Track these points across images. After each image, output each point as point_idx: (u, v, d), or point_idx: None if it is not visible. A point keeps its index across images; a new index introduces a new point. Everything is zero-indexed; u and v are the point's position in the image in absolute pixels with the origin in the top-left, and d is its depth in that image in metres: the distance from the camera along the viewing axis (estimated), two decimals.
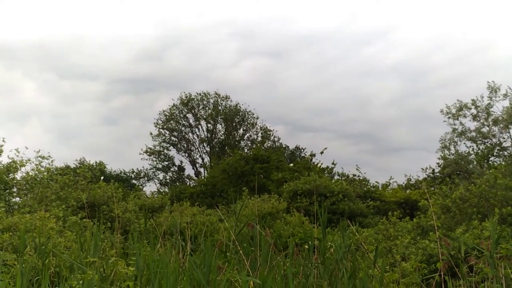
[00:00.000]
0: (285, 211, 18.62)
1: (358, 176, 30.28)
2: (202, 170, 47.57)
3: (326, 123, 63.74)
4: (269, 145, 47.56)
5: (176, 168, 48.51)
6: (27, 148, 14.51)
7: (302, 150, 47.43)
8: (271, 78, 63.69)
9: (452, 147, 27.13)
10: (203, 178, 41.93)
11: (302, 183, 22.13)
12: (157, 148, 48.03)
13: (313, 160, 38.96)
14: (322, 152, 36.45)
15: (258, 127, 49.01)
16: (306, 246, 8.24)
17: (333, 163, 34.44)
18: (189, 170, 48.26)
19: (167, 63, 60.52)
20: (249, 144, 48.29)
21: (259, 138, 48.66)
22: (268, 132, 48.88)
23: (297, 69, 63.76)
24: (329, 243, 7.59)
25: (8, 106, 55.80)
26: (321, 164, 34.25)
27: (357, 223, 11.75)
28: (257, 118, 48.91)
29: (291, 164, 32.10)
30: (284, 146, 47.99)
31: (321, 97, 63.32)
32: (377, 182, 30.52)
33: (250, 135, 49.09)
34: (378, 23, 64.26)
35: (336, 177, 32.27)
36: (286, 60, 64.41)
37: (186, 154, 48.24)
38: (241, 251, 6.96)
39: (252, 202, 17.22)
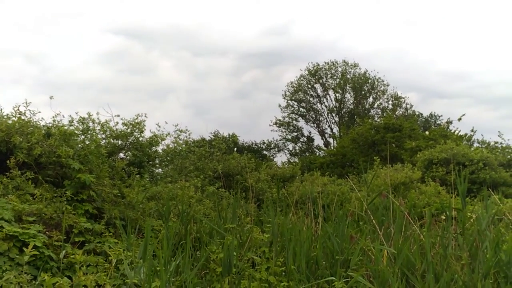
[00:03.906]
0: (420, 181, 17.93)
1: (501, 143, 28.14)
2: (331, 140, 47.36)
3: (462, 88, 59.88)
4: (400, 113, 45.84)
5: (305, 139, 48.82)
6: (166, 123, 15.44)
7: (438, 117, 45.14)
8: (400, 44, 61.10)
9: None
10: (332, 148, 41.77)
11: (438, 152, 21.10)
12: (286, 119, 48.62)
13: (450, 127, 36.94)
14: (459, 119, 34.31)
15: (389, 95, 47.41)
16: (443, 217, 7.90)
17: (472, 130, 32.38)
18: (318, 141, 48.34)
19: (294, 34, 60.56)
20: (379, 113, 46.95)
21: (390, 106, 47.07)
22: (399, 100, 47.08)
23: (430, 33, 60.41)
24: (469, 214, 7.19)
25: (148, 85, 59.94)
26: (459, 131, 32.35)
27: (500, 193, 10.96)
28: (387, 85, 47.30)
29: (426, 132, 30.65)
30: (417, 113, 46.01)
31: (455, 61, 59.49)
32: None
33: (380, 103, 47.67)
34: None
35: (475, 144, 30.32)
36: (418, 24, 61.28)
37: (315, 125, 48.27)
38: (374, 221, 6.87)
39: (384, 172, 16.82)
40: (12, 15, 53.90)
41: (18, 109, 9.46)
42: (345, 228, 6.40)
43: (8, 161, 7.97)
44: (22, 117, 9.31)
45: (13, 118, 9.28)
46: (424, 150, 22.81)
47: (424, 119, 45.48)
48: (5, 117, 9.33)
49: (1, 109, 9.44)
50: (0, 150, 8.36)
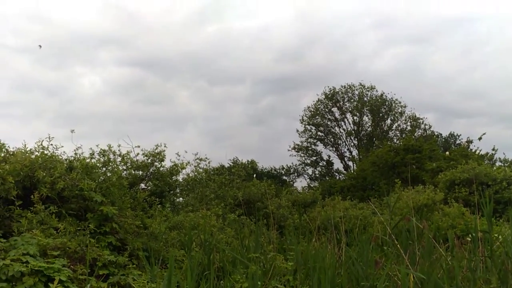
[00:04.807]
0: (443, 202, 17.69)
1: None
2: (350, 163, 47.13)
3: (481, 106, 59.37)
4: (419, 134, 45.54)
5: (325, 163, 48.64)
6: (186, 152, 15.49)
7: (457, 137, 44.76)
8: (417, 65, 61.03)
9: None
10: (352, 171, 41.50)
11: (460, 172, 20.84)
12: (304, 144, 48.59)
13: (470, 147, 36.54)
14: (480, 138, 33.84)
15: (407, 116, 47.21)
16: (469, 238, 7.75)
17: (493, 149, 31.97)
18: (337, 164, 48.14)
19: (309, 59, 60.91)
20: (398, 134, 46.71)
21: (408, 128, 46.81)
22: (417, 121, 46.83)
23: (445, 52, 60.34)
24: (496, 235, 7.06)
25: (166, 114, 60.59)
26: (480, 150, 31.96)
27: None
28: (405, 107, 47.10)
29: (447, 153, 30.35)
30: (436, 134, 45.67)
31: (473, 79, 59.23)
32: None
33: (399, 125, 47.44)
34: None
35: (498, 163, 29.90)
36: (432, 44, 61.27)
37: (334, 148, 48.12)
38: (398, 245, 6.77)
39: (406, 194, 16.64)
40: (31, 48, 55.25)
41: (41, 144, 9.61)
42: (369, 253, 6.33)
43: (32, 196, 8.07)
44: (45, 152, 9.45)
45: (36, 153, 9.42)
46: (445, 171, 22.54)
47: (443, 139, 45.13)
48: (28, 152, 9.47)
49: (25, 144, 9.59)
50: (24, 185, 8.47)
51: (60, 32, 55.76)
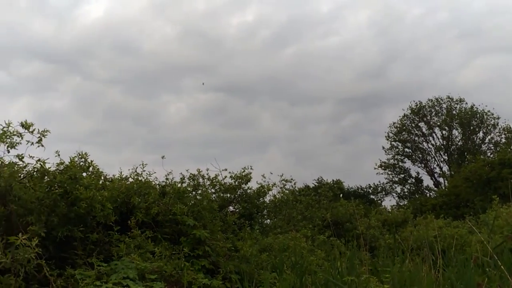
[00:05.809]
0: None
1: None
2: (441, 179, 45.28)
3: None
4: None
5: (413, 180, 47.08)
6: (271, 173, 15.52)
7: None
8: (509, 73, 57.98)
9: None
10: (443, 188, 39.86)
11: None
12: (391, 161, 47.40)
13: None
14: None
15: (501, 128, 44.78)
16: None
17: None
18: (427, 181, 46.48)
19: (391, 75, 59.87)
20: (492, 148, 44.39)
21: (503, 140, 44.35)
22: None
23: None
24: None
25: (250, 136, 61.60)
26: None
27: None
28: (498, 118, 44.78)
29: None
30: None
31: None
32: None
33: (492, 138, 45.11)
34: None
35: None
36: None
37: (422, 165, 46.54)
38: (502, 266, 6.37)
39: (505, 211, 15.68)
40: (120, 79, 58.40)
41: (135, 171, 10.02)
42: (470, 275, 6.00)
43: (129, 221, 8.40)
44: (139, 178, 9.83)
45: (131, 179, 9.81)
46: None
47: None
48: (123, 178, 9.89)
49: (121, 172, 10.03)
50: (121, 211, 8.83)
51: (147, 62, 58.63)
